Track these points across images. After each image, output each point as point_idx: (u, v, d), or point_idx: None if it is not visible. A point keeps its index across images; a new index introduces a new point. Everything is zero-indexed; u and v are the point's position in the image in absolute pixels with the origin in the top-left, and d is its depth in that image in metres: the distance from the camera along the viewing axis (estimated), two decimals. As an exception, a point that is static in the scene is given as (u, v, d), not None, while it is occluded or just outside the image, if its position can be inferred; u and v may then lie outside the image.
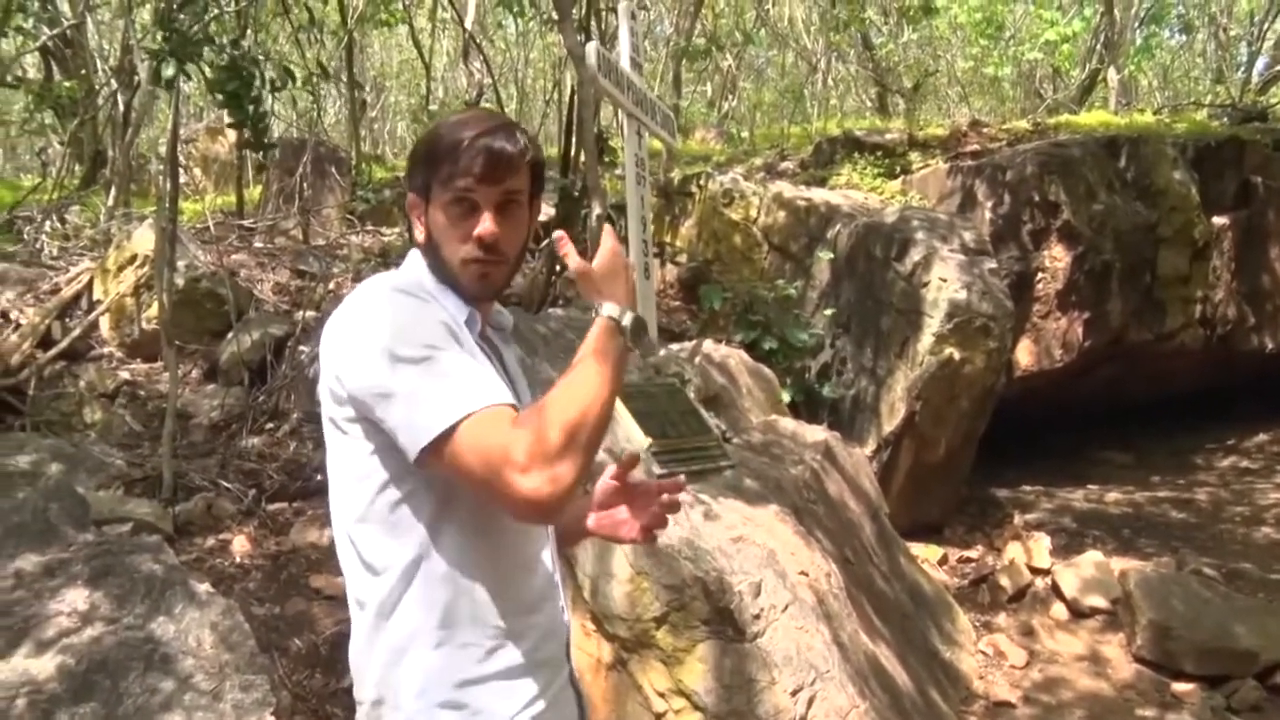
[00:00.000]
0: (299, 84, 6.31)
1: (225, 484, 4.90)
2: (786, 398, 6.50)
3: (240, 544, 4.44)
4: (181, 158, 10.35)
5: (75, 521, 3.59)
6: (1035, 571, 6.38)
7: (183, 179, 10.36)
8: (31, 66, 11.91)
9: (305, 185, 9.45)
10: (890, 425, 6.73)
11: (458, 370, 1.51)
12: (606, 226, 1.78)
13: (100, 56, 11.81)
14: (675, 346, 5.86)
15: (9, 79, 9.92)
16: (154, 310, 6.25)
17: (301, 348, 6.29)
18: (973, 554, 6.84)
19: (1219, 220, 8.59)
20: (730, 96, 17.25)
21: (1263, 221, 8.84)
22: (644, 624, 3.61)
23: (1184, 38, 19.72)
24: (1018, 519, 7.30)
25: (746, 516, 4.11)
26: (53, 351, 6.32)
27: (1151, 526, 7.43)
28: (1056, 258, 7.85)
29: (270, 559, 4.39)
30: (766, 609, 3.64)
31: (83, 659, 2.94)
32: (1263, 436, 9.44)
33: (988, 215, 7.86)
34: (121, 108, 8.88)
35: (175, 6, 5.32)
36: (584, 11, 9.69)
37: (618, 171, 8.34)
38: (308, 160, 9.45)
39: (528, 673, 1.67)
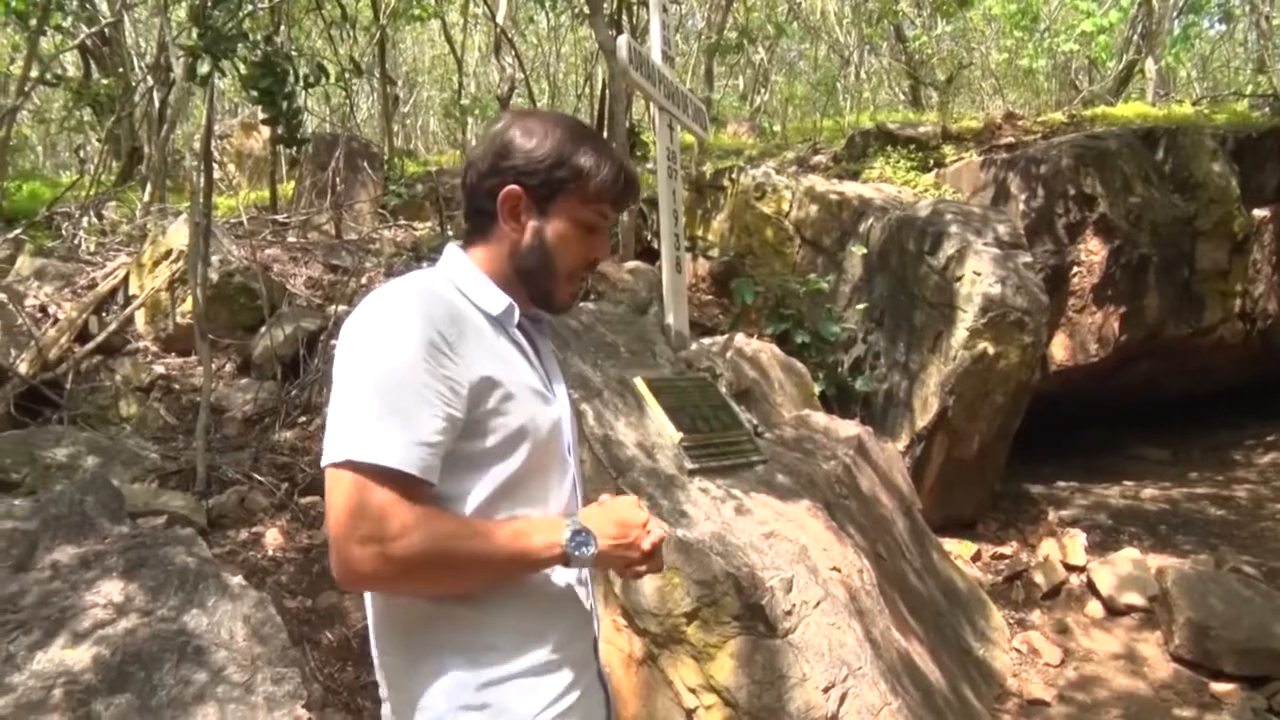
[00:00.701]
0: (332, 80, 6.34)
1: (258, 477, 4.93)
2: (818, 392, 6.47)
3: (273, 537, 4.46)
4: (216, 153, 10.43)
5: (111, 514, 3.62)
6: (1070, 568, 6.32)
7: (217, 174, 10.44)
8: (70, 64, 12.05)
9: (338, 180, 9.50)
10: (923, 420, 6.67)
11: (386, 414, 1.48)
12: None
13: (137, 54, 11.91)
14: (707, 340, 5.84)
15: (48, 77, 10.03)
16: (188, 305, 6.30)
17: (334, 342, 6.31)
18: (1006, 550, 6.77)
19: (1259, 213, 8.46)
20: (762, 90, 17.17)
21: (1305, 214, 8.70)
22: (675, 619, 3.59)
23: (1224, 27, 19.42)
24: (1052, 515, 7.23)
25: (778, 512, 4.09)
26: (89, 346, 6.39)
27: (1189, 523, 7.34)
28: (1092, 251, 7.76)
29: (302, 552, 4.41)
30: (798, 605, 3.62)
31: (118, 650, 2.96)
32: (1304, 433, 9.31)
33: (1022, 208, 7.78)
34: (157, 104, 8.97)
35: (210, 4, 5.34)
36: (615, 5, 9.70)
37: (649, 165, 8.33)
38: (340, 155, 9.50)
39: (552, 671, 1.67)
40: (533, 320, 1.82)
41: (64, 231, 8.44)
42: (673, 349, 5.28)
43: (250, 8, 6.52)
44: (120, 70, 10.30)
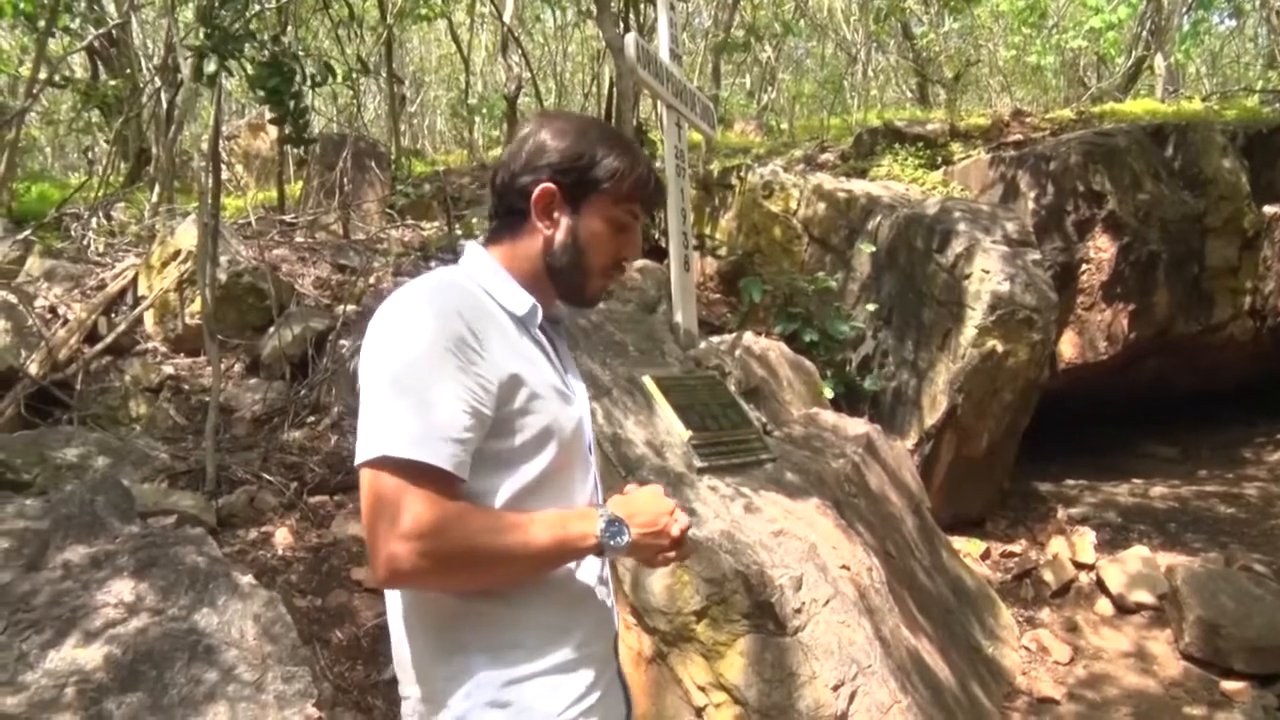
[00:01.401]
0: (339, 79, 6.34)
1: (267, 477, 4.94)
2: (827, 390, 6.46)
3: (282, 536, 4.47)
4: (223, 154, 10.45)
5: (121, 514, 3.63)
6: (1079, 566, 6.31)
7: (225, 175, 10.47)
8: (78, 66, 12.07)
9: (345, 180, 9.51)
10: (932, 418, 6.66)
11: (421, 410, 1.50)
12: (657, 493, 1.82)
13: (145, 55, 11.93)
14: (715, 339, 5.84)
15: (56, 79, 10.06)
16: (197, 305, 6.32)
17: (342, 342, 6.33)
18: (1016, 548, 6.76)
19: (1270, 209, 8.42)
20: (769, 88, 17.16)
21: (1316, 210, 8.66)
22: (684, 617, 3.59)
23: (1234, 22, 19.35)
24: (1061, 513, 7.22)
25: (787, 510, 4.08)
26: (99, 346, 6.40)
27: (1199, 521, 7.31)
28: (1101, 248, 7.74)
29: (312, 551, 4.42)
30: (807, 603, 3.62)
31: (129, 649, 2.97)
32: (1314, 430, 9.27)
33: (1030, 206, 7.76)
34: (165, 105, 8.98)
35: (217, 4, 5.36)
36: (622, 4, 9.70)
37: (657, 164, 8.33)
38: (348, 155, 9.51)
39: (575, 669, 1.67)
40: (551, 321, 1.84)
41: (73, 233, 8.47)
42: (681, 347, 5.28)
43: (257, 8, 6.53)
44: (128, 71, 10.33)
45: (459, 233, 8.94)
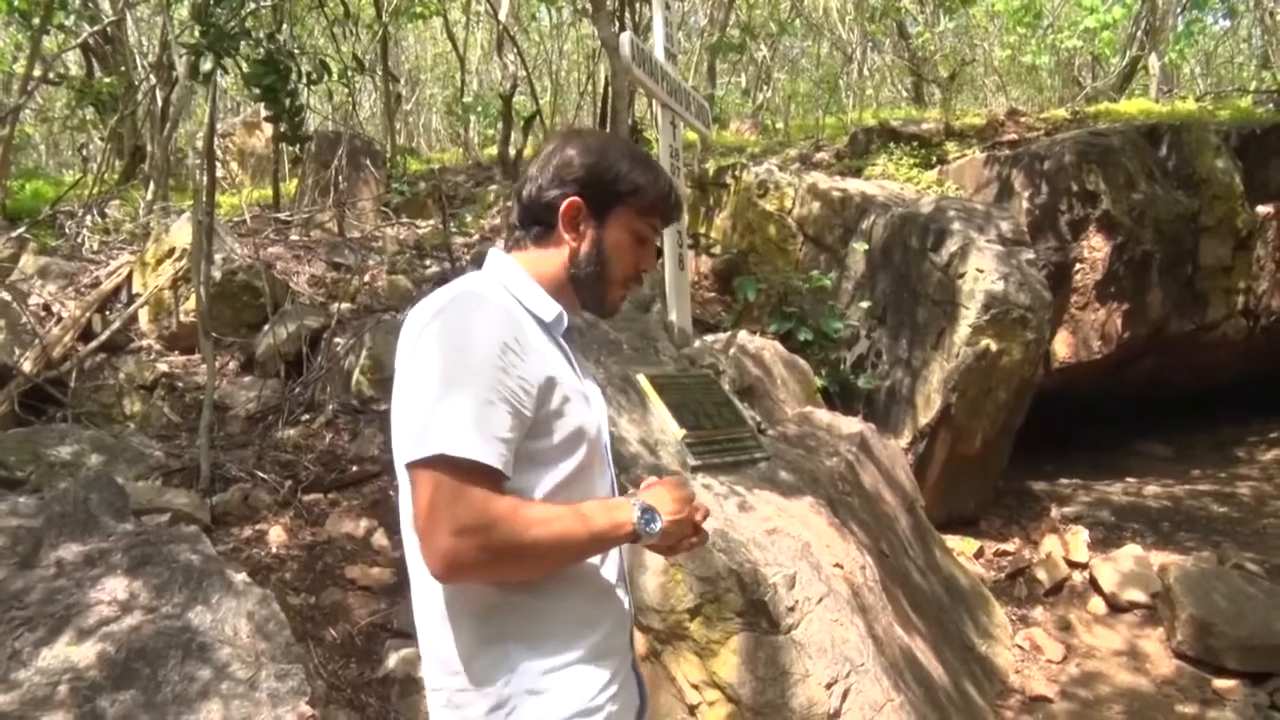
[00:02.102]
0: (334, 77, 6.34)
1: (262, 475, 4.93)
2: (821, 389, 6.47)
3: (276, 534, 4.47)
4: (218, 152, 10.45)
5: (115, 511, 3.62)
6: (1073, 565, 6.32)
7: (220, 173, 10.45)
8: (73, 63, 12.06)
9: (340, 178, 9.51)
10: (926, 417, 6.68)
11: (475, 409, 1.55)
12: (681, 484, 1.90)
13: (139, 53, 11.93)
14: (710, 338, 5.84)
15: (51, 76, 10.04)
16: (191, 303, 6.31)
17: (337, 340, 6.33)
18: (1009, 547, 6.78)
19: (1263, 209, 8.44)
20: (765, 87, 17.17)
21: (1309, 210, 8.68)
22: (677, 615, 3.60)
23: (1228, 23, 19.40)
24: (1055, 512, 7.24)
25: (781, 508, 4.09)
26: (93, 344, 6.40)
27: (1192, 520, 7.34)
28: (1095, 248, 7.75)
29: (306, 549, 4.42)
30: (801, 601, 3.63)
31: (122, 647, 2.97)
32: (1307, 429, 9.30)
33: (1025, 205, 7.77)
34: (160, 103, 8.98)
35: (212, 2, 5.35)
36: (618, 2, 9.69)
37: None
38: (343, 153, 9.52)
39: (603, 658, 1.74)
40: (570, 328, 1.91)
41: (67, 230, 8.46)
42: (676, 346, 5.28)
43: (253, 6, 6.52)
44: (123, 69, 10.32)
45: (454, 231, 8.93)
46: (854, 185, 8.28)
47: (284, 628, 3.28)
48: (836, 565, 3.98)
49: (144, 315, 6.81)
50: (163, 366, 6.44)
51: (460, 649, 1.68)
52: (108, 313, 6.83)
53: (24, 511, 3.46)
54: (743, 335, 5.90)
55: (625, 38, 5.21)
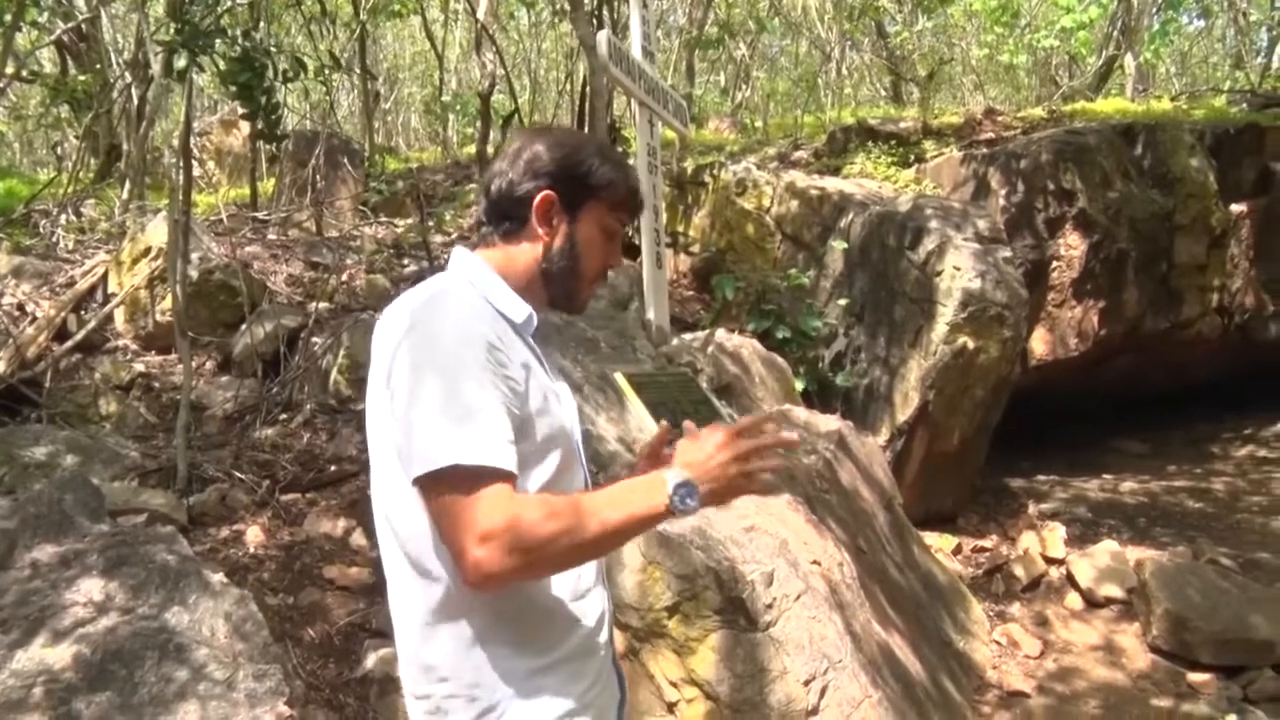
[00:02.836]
0: (310, 75, 6.31)
1: (239, 475, 4.91)
2: (800, 387, 6.49)
3: (254, 534, 4.45)
4: (195, 150, 10.37)
5: (90, 512, 3.60)
6: (1050, 561, 6.36)
7: (196, 172, 10.39)
8: (47, 61, 11.95)
9: (318, 177, 9.47)
10: (904, 414, 6.71)
11: (475, 414, 1.53)
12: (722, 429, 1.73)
13: (115, 50, 11.83)
14: (688, 336, 5.85)
15: (25, 73, 9.95)
16: (168, 303, 6.28)
17: (315, 339, 6.30)
18: (987, 544, 6.81)
19: (1237, 208, 8.52)
20: (744, 86, 17.18)
21: (1282, 209, 8.76)
22: (655, 613, 3.61)
23: (1203, 23, 19.55)
24: (1032, 509, 7.28)
25: (758, 505, 4.10)
26: (68, 344, 6.35)
27: (1167, 516, 7.39)
28: (1072, 246, 7.80)
29: (284, 549, 4.40)
30: (779, 598, 3.64)
31: (98, 648, 2.95)
32: (1280, 426, 9.38)
33: (1002, 204, 7.82)
34: (136, 101, 8.92)
35: (188, -1, 5.33)
36: (596, 1, 9.68)
37: (630, 162, 8.32)
38: (321, 152, 9.47)
39: (585, 657, 1.74)
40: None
41: (42, 229, 8.39)
42: (654, 344, 5.29)
43: (229, 3, 6.49)
44: (98, 66, 10.24)
45: (432, 229, 8.91)
46: (832, 184, 8.31)
47: (262, 628, 3.26)
48: (814, 562, 3.99)
49: (120, 315, 6.77)
50: (139, 366, 6.40)
51: (444, 655, 1.66)
52: (83, 312, 6.78)
53: (-2, 513, 3.44)
54: (721, 333, 5.92)
55: (603, 36, 5.22)
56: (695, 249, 9.02)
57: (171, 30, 5.33)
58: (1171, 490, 8.03)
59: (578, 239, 1.80)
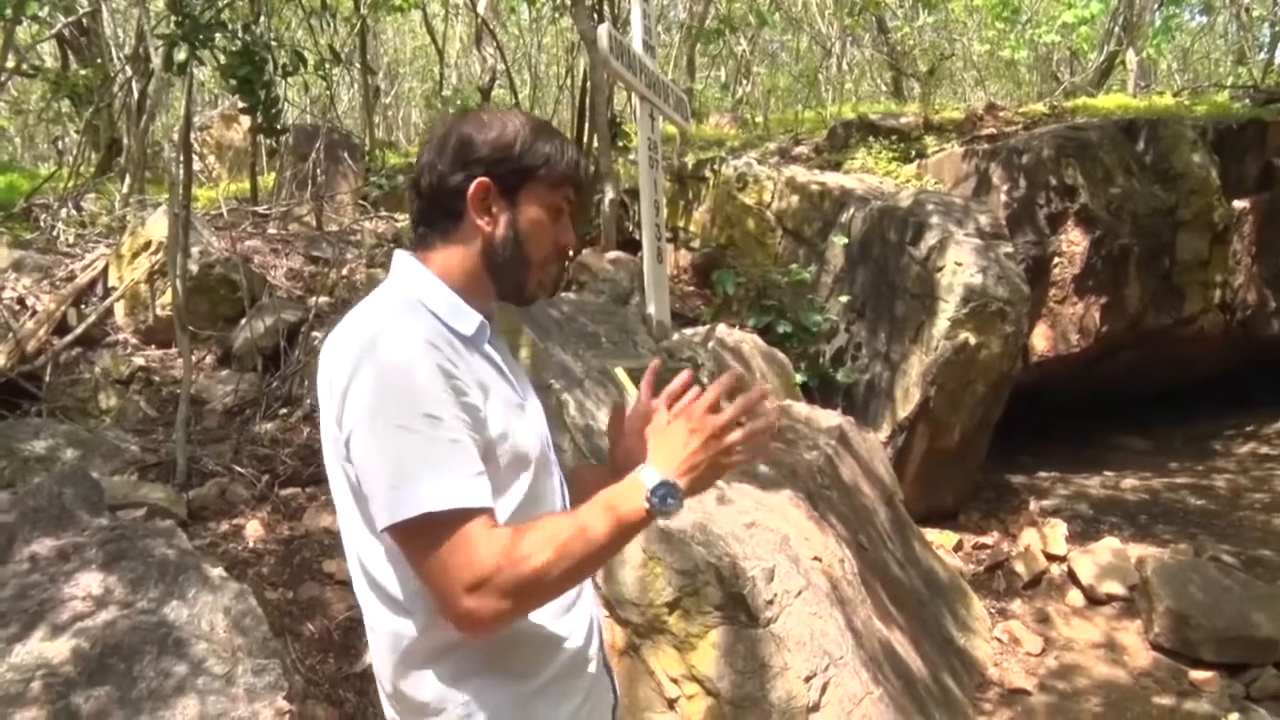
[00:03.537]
0: (311, 69, 6.29)
1: (239, 469, 4.91)
2: (800, 382, 6.48)
3: (254, 529, 4.44)
4: (195, 145, 10.36)
5: (90, 506, 3.59)
6: (1051, 558, 6.35)
7: (197, 166, 10.38)
8: (48, 55, 11.93)
9: (318, 171, 9.45)
10: (905, 410, 6.69)
11: (442, 454, 1.45)
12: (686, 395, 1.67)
13: (115, 44, 11.80)
14: (689, 331, 5.85)
15: (26, 67, 9.94)
16: (168, 297, 6.26)
17: (315, 333, 6.29)
18: (988, 540, 6.80)
19: (1239, 203, 8.50)
20: (744, 81, 17.15)
21: (1285, 204, 8.74)
22: (656, 609, 3.60)
23: (1205, 19, 19.52)
24: (1033, 505, 7.27)
25: (759, 501, 4.09)
26: (68, 338, 6.34)
27: (1169, 513, 7.38)
28: (1073, 242, 7.79)
29: (283, 544, 4.39)
30: (780, 594, 3.63)
31: (97, 642, 2.94)
32: (1282, 423, 9.37)
33: (1003, 199, 7.80)
34: (136, 95, 8.89)
35: (188, -8, 5.31)
36: (597, -4, 9.65)
37: (631, 157, 8.31)
38: (321, 146, 9.46)
39: (575, 673, 1.68)
40: (494, 333, 1.79)
41: (42, 223, 8.37)
42: (654, 339, 5.28)
43: (229, -3, 6.47)
44: (98, 61, 10.21)
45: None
46: (833, 179, 8.29)
47: (261, 623, 3.25)
48: (815, 558, 3.99)
49: (120, 309, 6.76)
50: (139, 360, 6.38)
51: (431, 688, 1.59)
52: (83, 306, 6.76)
53: (-4, 506, 3.43)
54: (721, 328, 5.91)
55: (603, 30, 5.20)
56: (696, 244, 9.00)
57: (172, 24, 5.31)
58: (1173, 487, 8.02)
59: (520, 225, 1.66)
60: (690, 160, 9.52)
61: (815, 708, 3.44)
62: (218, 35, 5.27)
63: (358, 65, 12.62)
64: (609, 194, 6.71)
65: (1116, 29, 14.62)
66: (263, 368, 6.23)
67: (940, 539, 6.58)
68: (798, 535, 4.01)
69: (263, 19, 8.33)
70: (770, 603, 3.59)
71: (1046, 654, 5.50)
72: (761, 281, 7.28)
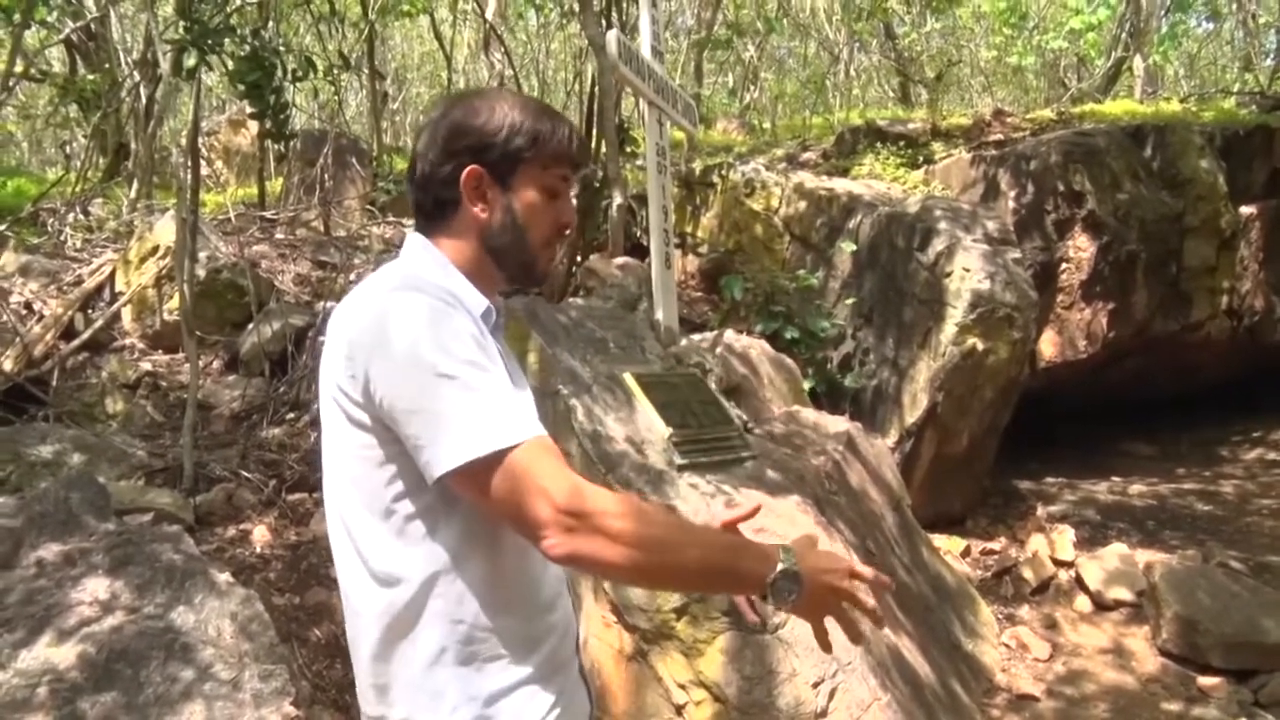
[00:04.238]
0: (319, 74, 6.30)
1: (246, 474, 4.91)
2: (808, 388, 6.46)
3: (260, 534, 4.44)
4: (203, 150, 10.39)
5: (96, 511, 3.59)
6: (1059, 564, 6.33)
7: (204, 171, 10.40)
8: (56, 60, 11.97)
9: (326, 177, 9.48)
10: (913, 416, 6.68)
11: (496, 393, 1.45)
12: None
13: (123, 49, 11.85)
14: (697, 337, 5.83)
15: (34, 72, 9.97)
16: (175, 301, 6.27)
17: (322, 339, 6.29)
18: (995, 546, 6.78)
19: (1247, 209, 8.48)
20: (752, 87, 17.17)
21: (1292, 210, 8.73)
22: (664, 615, 3.59)
23: (1211, 25, 19.48)
24: (1041, 511, 7.25)
25: (767, 507, 4.08)
26: (75, 343, 6.36)
27: (1176, 519, 7.36)
28: (1081, 248, 7.78)
29: (290, 549, 4.39)
30: (787, 600, 3.61)
31: (104, 648, 2.94)
32: (1290, 428, 9.34)
33: (1011, 205, 7.79)
34: (144, 100, 8.93)
35: (196, -2, 5.33)
36: (605, 1, 9.66)
37: (639, 162, 8.32)
38: (328, 152, 9.48)
39: (550, 675, 1.65)
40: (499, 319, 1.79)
41: (50, 228, 8.40)
42: (662, 345, 5.27)
43: (238, 2, 6.49)
44: (106, 66, 10.25)
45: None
46: (840, 185, 8.28)
47: (268, 628, 3.25)
48: (823, 564, 3.96)
49: (127, 314, 6.77)
50: (146, 365, 6.40)
51: (404, 677, 1.57)
52: (90, 311, 6.78)
53: (4, 511, 3.44)
54: (729, 334, 5.90)
55: (612, 35, 5.19)
56: (704, 250, 9.00)
57: (180, 29, 5.33)
58: (1181, 493, 8.00)
59: (516, 208, 1.66)
60: (698, 166, 9.53)
61: (823, 713, 3.43)
62: (226, 40, 5.28)
63: (366, 71, 12.64)
64: (617, 199, 6.70)
65: (1123, 35, 14.61)
66: (270, 373, 6.24)
67: (948, 545, 6.56)
68: (805, 541, 3.99)
69: (271, 24, 8.35)
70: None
71: (1054, 660, 5.48)
72: (769, 287, 7.27)
